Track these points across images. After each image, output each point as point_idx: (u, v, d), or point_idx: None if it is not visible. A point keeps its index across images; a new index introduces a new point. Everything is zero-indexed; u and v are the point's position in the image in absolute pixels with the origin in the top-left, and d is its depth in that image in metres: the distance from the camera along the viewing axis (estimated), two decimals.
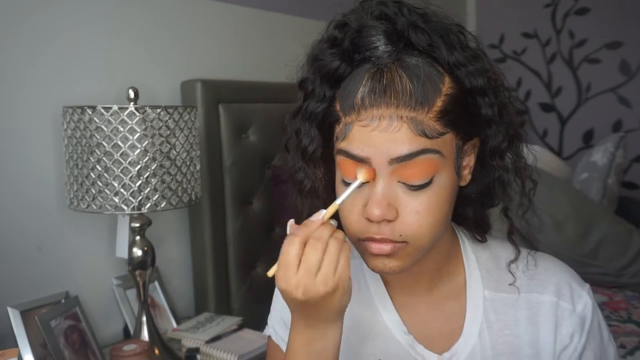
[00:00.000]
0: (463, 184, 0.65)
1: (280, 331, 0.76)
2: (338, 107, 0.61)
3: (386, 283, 0.73)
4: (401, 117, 0.57)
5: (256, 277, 1.66)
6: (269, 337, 0.79)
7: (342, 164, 0.61)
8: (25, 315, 1.18)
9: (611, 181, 2.20)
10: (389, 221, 0.59)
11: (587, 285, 0.71)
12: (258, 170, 1.68)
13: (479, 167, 0.66)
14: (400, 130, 0.57)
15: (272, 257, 0.82)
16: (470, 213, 0.71)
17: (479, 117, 0.62)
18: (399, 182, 0.59)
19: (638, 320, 1.58)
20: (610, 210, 2.10)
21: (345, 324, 0.66)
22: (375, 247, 0.60)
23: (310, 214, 0.63)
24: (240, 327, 1.45)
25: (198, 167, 1.30)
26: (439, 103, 0.58)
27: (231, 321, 1.45)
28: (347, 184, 0.60)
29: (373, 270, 0.63)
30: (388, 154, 0.57)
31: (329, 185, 0.68)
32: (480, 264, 0.71)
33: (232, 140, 1.60)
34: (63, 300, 1.28)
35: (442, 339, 0.70)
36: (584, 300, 0.69)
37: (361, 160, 0.59)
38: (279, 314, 0.77)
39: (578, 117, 2.65)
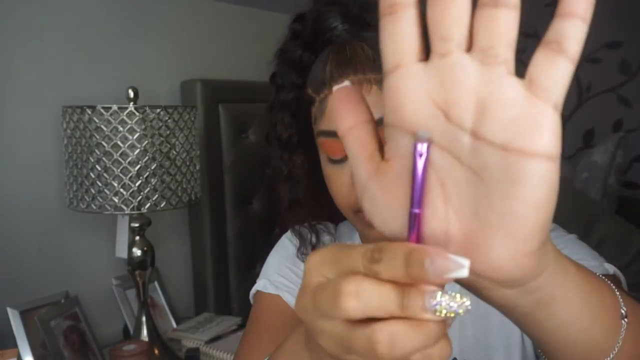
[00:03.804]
0: None
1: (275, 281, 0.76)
2: (310, 91, 0.63)
3: None
4: (369, 80, 0.59)
5: (256, 277, 1.65)
6: (257, 293, 0.78)
7: (325, 144, 0.62)
8: (24, 315, 1.17)
9: (611, 181, 2.19)
10: None
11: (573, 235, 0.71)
12: (258, 170, 1.68)
13: None
14: (371, 92, 0.59)
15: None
16: None
17: None
18: None
19: None
20: (610, 210, 2.10)
21: None
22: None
23: (292, 200, 0.68)
24: (240, 327, 1.44)
25: (198, 167, 1.30)
26: None
27: (231, 321, 1.45)
28: (335, 162, 0.62)
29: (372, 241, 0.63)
30: None
31: (310, 170, 0.70)
32: None
33: (232, 140, 1.60)
34: (63, 301, 1.27)
35: None
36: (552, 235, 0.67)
37: None
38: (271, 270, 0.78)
39: (578, 116, 2.65)
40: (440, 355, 0.29)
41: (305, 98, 0.64)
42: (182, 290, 1.60)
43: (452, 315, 0.27)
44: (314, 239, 0.74)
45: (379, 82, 0.58)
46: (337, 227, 0.80)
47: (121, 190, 1.15)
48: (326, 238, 0.77)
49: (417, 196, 0.29)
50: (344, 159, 0.62)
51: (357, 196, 0.59)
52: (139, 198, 1.16)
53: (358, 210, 0.62)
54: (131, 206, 1.16)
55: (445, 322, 0.28)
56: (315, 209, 0.74)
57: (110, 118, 1.13)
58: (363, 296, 0.27)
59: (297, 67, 0.66)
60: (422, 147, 0.28)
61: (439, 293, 0.27)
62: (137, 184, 1.15)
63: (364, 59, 0.59)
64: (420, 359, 0.28)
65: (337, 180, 0.63)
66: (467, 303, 0.27)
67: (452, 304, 0.27)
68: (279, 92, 0.69)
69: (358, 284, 0.27)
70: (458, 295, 0.27)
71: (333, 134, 0.60)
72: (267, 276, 0.78)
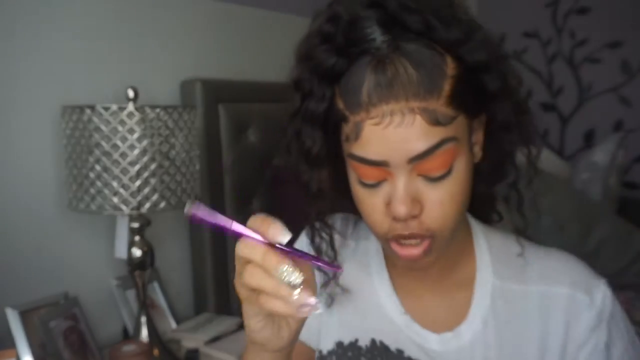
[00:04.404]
0: (476, 161, 0.63)
1: None
2: (342, 105, 0.58)
3: (390, 265, 0.73)
4: (413, 110, 0.54)
5: None
6: None
7: (358, 167, 0.59)
8: (24, 316, 1.17)
9: (612, 181, 2.19)
10: (414, 216, 0.58)
11: (604, 279, 0.68)
12: (258, 170, 1.68)
13: (488, 142, 0.64)
14: (415, 123, 0.54)
15: None
16: (481, 189, 0.68)
17: (484, 93, 0.60)
18: (418, 175, 0.57)
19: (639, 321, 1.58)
20: (611, 211, 2.10)
21: (342, 299, 0.70)
22: (404, 254, 0.60)
23: (318, 215, 0.67)
24: (240, 327, 1.44)
25: (197, 167, 1.30)
26: (447, 87, 0.55)
27: (231, 321, 1.45)
28: (367, 185, 0.59)
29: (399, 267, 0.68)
30: (406, 154, 0.55)
31: (335, 184, 0.66)
32: (492, 251, 0.69)
33: (232, 140, 1.60)
34: (62, 301, 1.27)
35: (444, 322, 0.68)
36: (602, 290, 0.66)
37: (378, 165, 0.57)
38: None
39: (579, 116, 2.65)
40: (286, 307, 0.48)
41: (337, 112, 0.59)
42: (182, 291, 1.60)
43: (292, 283, 0.46)
44: (331, 252, 0.72)
45: (424, 112, 0.54)
46: (357, 221, 0.77)
47: (121, 190, 1.14)
48: (336, 237, 0.75)
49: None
50: (377, 184, 0.58)
51: (389, 224, 0.59)
52: (138, 198, 1.16)
53: (390, 238, 0.60)
54: (131, 206, 1.15)
55: (296, 287, 0.47)
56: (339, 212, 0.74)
57: (109, 118, 1.13)
58: (245, 245, 0.49)
59: (329, 76, 0.59)
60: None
61: (286, 266, 0.47)
62: (137, 184, 1.15)
63: (406, 81, 0.54)
64: (271, 300, 0.48)
65: (368, 204, 0.60)
66: (298, 280, 0.46)
67: (288, 275, 0.47)
68: (306, 101, 0.61)
69: (245, 241, 0.50)
70: (297, 273, 0.47)
71: (368, 162, 0.57)
72: None
